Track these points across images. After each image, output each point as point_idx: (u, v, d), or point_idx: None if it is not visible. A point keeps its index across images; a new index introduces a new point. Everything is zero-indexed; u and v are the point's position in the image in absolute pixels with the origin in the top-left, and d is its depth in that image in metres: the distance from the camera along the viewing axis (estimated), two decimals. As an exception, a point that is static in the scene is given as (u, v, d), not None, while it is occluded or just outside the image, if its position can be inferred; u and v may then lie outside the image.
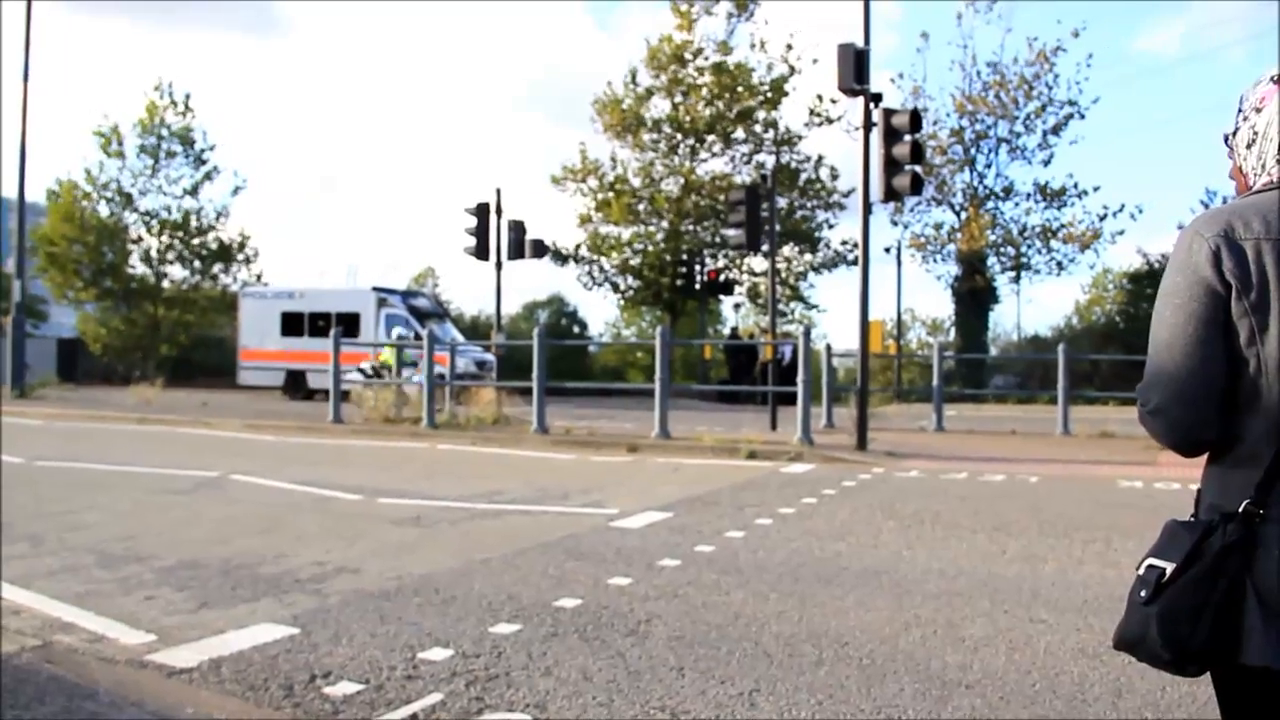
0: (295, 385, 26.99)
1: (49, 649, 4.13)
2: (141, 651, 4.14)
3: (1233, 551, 1.56)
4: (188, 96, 35.72)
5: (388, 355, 21.35)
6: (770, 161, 31.65)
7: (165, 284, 36.16)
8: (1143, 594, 1.60)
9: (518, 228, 21.71)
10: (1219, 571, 1.55)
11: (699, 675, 3.88)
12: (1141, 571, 1.63)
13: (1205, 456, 1.71)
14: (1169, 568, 1.59)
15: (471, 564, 5.92)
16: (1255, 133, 1.73)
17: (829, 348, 17.82)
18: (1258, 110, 1.73)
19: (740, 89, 31.41)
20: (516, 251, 21.64)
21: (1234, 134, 1.79)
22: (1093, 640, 4.36)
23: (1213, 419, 1.63)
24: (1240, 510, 1.57)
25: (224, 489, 9.28)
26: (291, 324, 27.83)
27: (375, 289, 27.77)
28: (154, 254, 35.83)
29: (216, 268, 36.55)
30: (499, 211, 21.52)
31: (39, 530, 6.88)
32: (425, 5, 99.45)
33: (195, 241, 35.80)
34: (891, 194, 12.81)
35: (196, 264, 36.21)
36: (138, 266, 36.02)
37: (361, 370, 20.90)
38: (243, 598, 5.08)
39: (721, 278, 32.69)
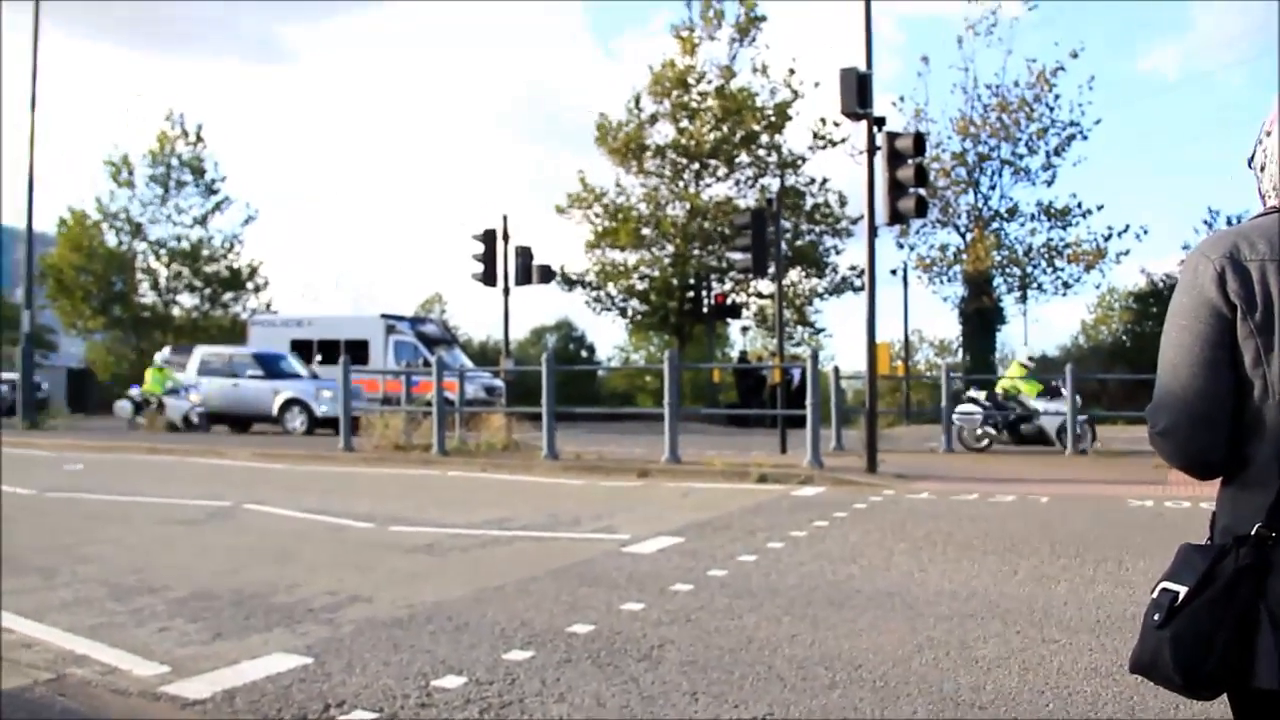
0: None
1: (62, 682, 4.14)
2: (155, 683, 4.14)
3: (1245, 575, 1.55)
4: (199, 127, 36.12)
5: (1018, 380, 17.21)
6: (774, 185, 31.77)
7: (175, 312, 36.31)
8: (1156, 617, 1.60)
9: (525, 253, 21.83)
10: (1232, 595, 1.54)
11: (712, 700, 3.87)
12: (1155, 595, 1.63)
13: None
14: (1182, 591, 1.58)
15: (484, 591, 5.92)
16: (1266, 156, 1.74)
17: (837, 370, 17.79)
18: (1268, 134, 1.74)
19: (744, 112, 31.54)
20: (524, 277, 21.76)
21: (1252, 158, 1.80)
22: (1106, 660, 4.35)
23: (1221, 441, 1.64)
24: (1252, 533, 1.56)
25: (236, 519, 9.29)
26: (300, 351, 27.92)
27: (384, 316, 27.90)
28: (163, 283, 36.01)
29: (226, 296, 36.73)
30: (506, 238, 21.65)
31: (51, 563, 6.89)
32: (432, 31, 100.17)
33: (207, 270, 35.96)
34: (897, 217, 12.84)
35: (206, 292, 36.38)
36: (147, 295, 36.20)
37: (976, 400, 17.43)
38: (256, 628, 5.08)
39: (729, 301, 32.77)
